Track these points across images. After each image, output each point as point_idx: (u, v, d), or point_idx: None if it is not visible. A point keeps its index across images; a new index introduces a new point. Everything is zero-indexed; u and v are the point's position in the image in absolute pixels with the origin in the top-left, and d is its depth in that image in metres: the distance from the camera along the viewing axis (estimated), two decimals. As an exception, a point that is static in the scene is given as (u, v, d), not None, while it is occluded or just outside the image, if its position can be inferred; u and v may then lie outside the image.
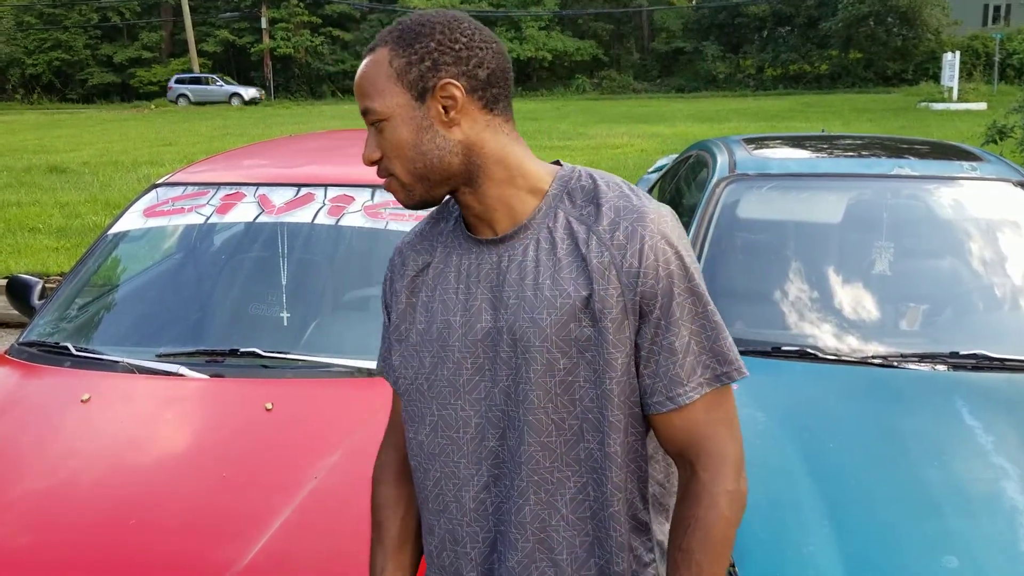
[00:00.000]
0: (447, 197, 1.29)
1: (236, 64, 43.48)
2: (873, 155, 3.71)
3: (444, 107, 1.19)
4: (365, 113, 1.23)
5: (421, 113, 1.20)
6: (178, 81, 38.72)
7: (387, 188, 1.27)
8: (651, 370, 1.19)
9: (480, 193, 1.24)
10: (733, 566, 1.87)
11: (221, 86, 38.48)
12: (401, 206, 1.29)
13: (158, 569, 1.96)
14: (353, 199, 3.16)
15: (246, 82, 41.50)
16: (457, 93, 1.19)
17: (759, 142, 4.03)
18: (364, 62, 1.24)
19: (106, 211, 9.82)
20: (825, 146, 3.98)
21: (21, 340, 2.94)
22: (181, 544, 2.03)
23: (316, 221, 3.10)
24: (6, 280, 3.34)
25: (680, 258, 1.18)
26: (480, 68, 1.20)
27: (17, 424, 2.52)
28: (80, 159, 15.31)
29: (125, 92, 42.24)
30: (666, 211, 1.22)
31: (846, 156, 3.79)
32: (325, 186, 3.23)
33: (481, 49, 1.21)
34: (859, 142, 4.17)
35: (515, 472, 1.24)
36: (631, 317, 1.18)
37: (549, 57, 41.76)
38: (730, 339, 1.21)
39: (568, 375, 1.20)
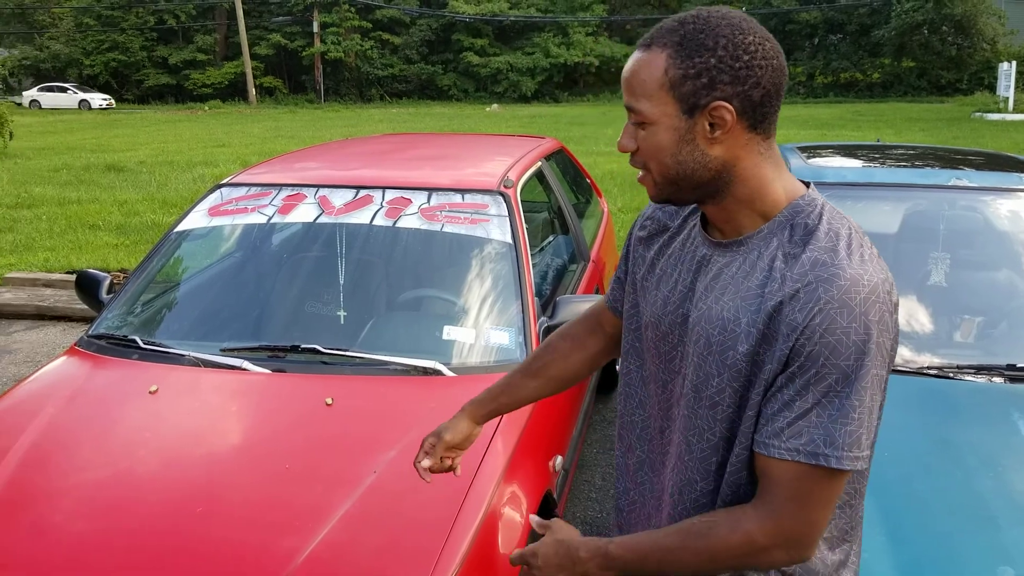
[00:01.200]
0: None
1: (287, 67, 44.11)
2: (928, 165, 3.69)
3: (711, 124, 1.19)
4: (629, 109, 1.24)
5: (686, 126, 1.20)
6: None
7: (641, 181, 1.30)
8: (765, 411, 1.20)
9: (720, 206, 1.26)
10: (786, 570, 1.88)
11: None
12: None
13: (224, 557, 2.02)
14: (410, 201, 3.22)
15: (297, 87, 42.10)
16: (728, 116, 1.18)
17: (813, 150, 4.02)
18: (637, 58, 1.23)
19: (163, 209, 10.05)
20: (879, 155, 3.96)
21: (90, 333, 3.04)
22: (246, 533, 2.10)
23: (374, 222, 3.17)
24: (75, 275, 3.46)
25: (848, 335, 1.13)
26: (756, 89, 1.18)
27: (88, 412, 2.62)
28: (136, 158, 15.67)
29: (179, 94, 43.10)
30: (870, 281, 1.15)
31: (901, 166, 3.77)
32: (383, 188, 3.30)
33: (761, 68, 1.17)
34: (913, 152, 4.14)
35: (669, 446, 1.38)
36: (775, 365, 1.18)
37: (596, 62, 41.74)
38: (856, 433, 1.15)
39: (717, 394, 1.25)
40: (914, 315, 2.84)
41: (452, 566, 1.98)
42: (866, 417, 1.16)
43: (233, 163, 14.59)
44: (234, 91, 42.18)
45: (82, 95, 40.04)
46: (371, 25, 42.80)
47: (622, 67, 1.38)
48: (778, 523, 1.19)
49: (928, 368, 2.60)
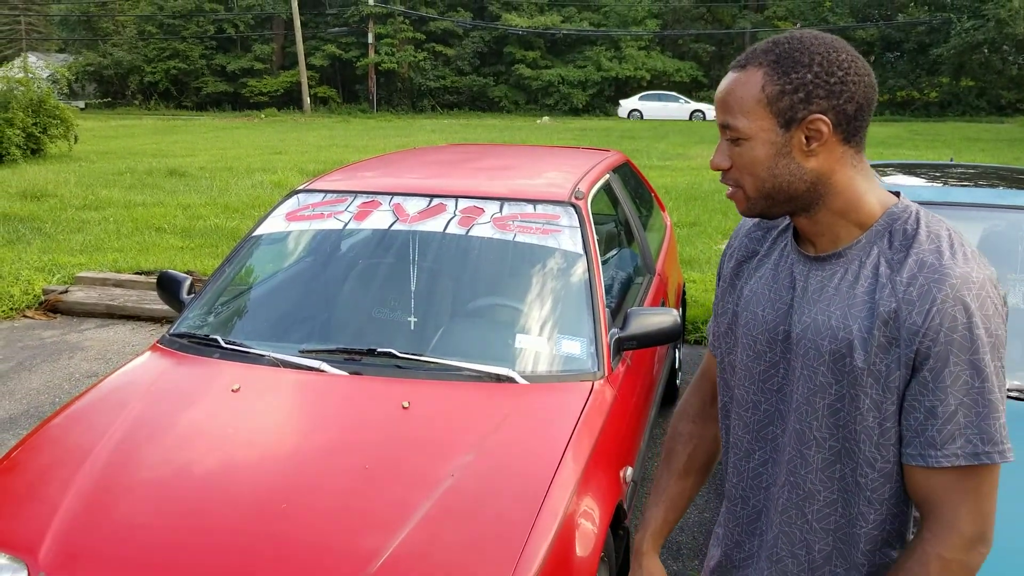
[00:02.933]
0: None
1: (341, 77, 44.73)
2: (1000, 185, 3.64)
3: (807, 137, 1.24)
4: (724, 127, 1.28)
5: (783, 139, 1.25)
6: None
7: (730, 196, 1.33)
8: (909, 424, 1.22)
9: (814, 218, 1.29)
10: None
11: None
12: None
13: (307, 553, 2.06)
14: (483, 211, 3.27)
15: (350, 96, 42.65)
16: (824, 129, 1.23)
17: (880, 169, 3.99)
18: (732, 77, 1.28)
19: (225, 214, 10.25)
20: (952, 175, 3.92)
21: (172, 331, 3.14)
22: (328, 531, 2.14)
23: (447, 231, 3.23)
24: (157, 275, 3.56)
25: (971, 328, 1.17)
26: (850, 103, 1.23)
27: (173, 408, 2.70)
28: (197, 164, 16.01)
29: (236, 101, 43.89)
30: (978, 277, 1.19)
31: (975, 186, 3.72)
32: (456, 197, 3.36)
33: (854, 83, 1.23)
34: (985, 172, 4.08)
35: (780, 466, 1.36)
36: (903, 370, 1.21)
37: (648, 76, 41.68)
38: (1002, 421, 1.19)
39: (837, 401, 1.26)
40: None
41: (533, 567, 2.01)
42: (1002, 407, 1.19)
43: (290, 170, 14.83)
44: (289, 99, 42.85)
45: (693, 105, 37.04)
46: (424, 37, 43.23)
47: (675, 81, 1.44)
48: (960, 531, 1.20)
49: (1009, 390, 2.57)
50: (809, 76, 1.22)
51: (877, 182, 1.30)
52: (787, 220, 1.39)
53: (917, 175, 3.89)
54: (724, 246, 1.53)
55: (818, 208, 1.28)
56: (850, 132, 1.24)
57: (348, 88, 44.93)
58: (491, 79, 43.75)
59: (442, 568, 2.02)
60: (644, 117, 36.90)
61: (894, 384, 1.22)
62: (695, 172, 14.98)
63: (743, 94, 1.25)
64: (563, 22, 42.77)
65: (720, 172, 1.34)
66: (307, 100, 41.33)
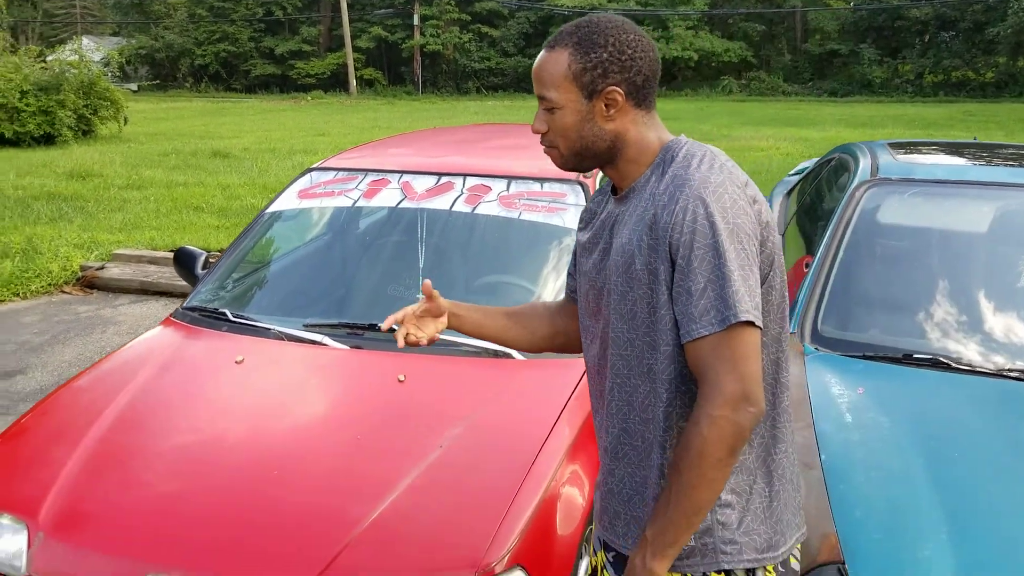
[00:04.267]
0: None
1: (387, 59, 44.88)
2: (1019, 165, 3.55)
3: (606, 105, 1.50)
4: (541, 97, 1.53)
5: (587, 108, 1.51)
6: None
7: (548, 154, 1.59)
8: (678, 308, 1.43)
9: (617, 168, 1.57)
10: (843, 564, 1.88)
11: None
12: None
13: (297, 517, 2.14)
14: (490, 189, 3.29)
15: (396, 79, 42.77)
16: (619, 98, 1.50)
17: (907, 147, 3.92)
18: (545, 55, 1.54)
19: (263, 194, 10.40)
20: (975, 154, 3.83)
21: (185, 305, 3.22)
22: (317, 497, 2.20)
23: (454, 208, 3.25)
24: (174, 251, 3.64)
25: (710, 218, 1.40)
26: (639, 76, 1.51)
27: (179, 378, 2.78)
28: (241, 145, 16.24)
29: (284, 83, 44.30)
30: (717, 180, 1.43)
31: (997, 165, 3.64)
32: (464, 175, 3.38)
33: (641, 59, 1.50)
34: (1010, 151, 3.98)
35: (607, 375, 1.59)
36: (666, 264, 1.44)
37: (696, 57, 41.04)
38: (742, 291, 1.38)
39: (632, 304, 1.50)
40: (998, 316, 2.76)
41: (509, 540, 2.04)
42: (742, 281, 1.39)
43: (331, 151, 14.95)
44: (335, 82, 43.13)
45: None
46: (470, 18, 43.11)
47: (723, 62, 1.62)
48: (722, 391, 1.38)
49: (1009, 370, 2.53)
50: (605, 55, 1.49)
51: (665, 131, 1.56)
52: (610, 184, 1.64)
53: (934, 152, 3.81)
54: None
55: (619, 159, 1.55)
56: (640, 98, 1.52)
57: (394, 70, 45.06)
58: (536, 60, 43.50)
59: (424, 533, 2.07)
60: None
61: (662, 278, 1.45)
62: (737, 153, 14.78)
63: (553, 71, 1.52)
64: (609, 2, 42.38)
65: (540, 135, 1.58)
66: (353, 82, 41.56)
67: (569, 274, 1.84)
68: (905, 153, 3.72)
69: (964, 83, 36.57)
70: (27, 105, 15.76)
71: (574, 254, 1.76)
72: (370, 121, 23.88)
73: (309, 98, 38.70)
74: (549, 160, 1.62)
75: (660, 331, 1.47)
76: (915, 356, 2.62)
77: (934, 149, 3.95)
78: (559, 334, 1.85)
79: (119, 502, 2.25)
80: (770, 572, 1.52)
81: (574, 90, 1.51)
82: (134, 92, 35.20)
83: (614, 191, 1.62)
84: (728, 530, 1.49)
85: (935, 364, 2.58)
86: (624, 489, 1.59)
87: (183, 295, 6.55)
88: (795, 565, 1.59)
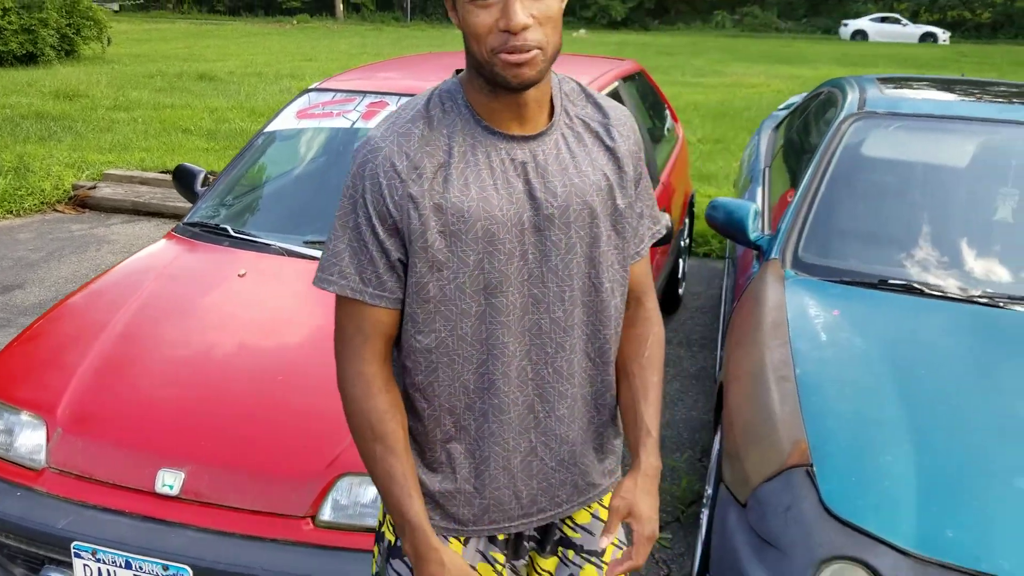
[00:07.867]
0: (427, 98, 1.31)
1: (376, -16, 43.93)
2: (1008, 101, 3.64)
3: None
4: None
5: None
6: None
7: (526, 62, 1.18)
8: (636, 231, 1.47)
9: (543, 87, 1.28)
10: (811, 466, 2.02)
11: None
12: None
13: (303, 416, 2.28)
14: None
15: (384, 4, 41.93)
16: None
17: (897, 82, 3.99)
18: None
19: (251, 118, 10.36)
20: (964, 90, 3.91)
21: (186, 220, 3.29)
22: (322, 399, 2.31)
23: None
24: (174, 169, 3.70)
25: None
26: None
27: (183, 289, 2.87)
28: (226, 69, 16.03)
29: (268, 6, 43.41)
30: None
31: (984, 101, 3.73)
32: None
33: None
34: (996, 88, 4.07)
35: (564, 335, 1.35)
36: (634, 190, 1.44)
37: (690, -12, 40.45)
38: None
39: (611, 246, 1.38)
40: (972, 246, 2.88)
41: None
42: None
43: (319, 76, 14.79)
44: (322, 6, 42.29)
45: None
46: (461, -57, 42.16)
47: None
48: (656, 303, 1.58)
49: (980, 296, 2.65)
50: None
51: None
52: (459, 121, 1.29)
53: (922, 88, 3.89)
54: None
55: (549, 75, 1.30)
56: None
57: (382, -4, 44.19)
58: (528, -11, 42.66)
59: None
60: (869, 39, 33.30)
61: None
62: (728, 89, 14.75)
63: None
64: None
65: (517, 33, 1.17)
66: (340, 7, 40.80)
67: (387, 265, 1.37)
68: (894, 88, 3.80)
69: (960, 23, 36.34)
70: (9, 23, 15.43)
71: (388, 240, 1.34)
72: (357, 47, 23.54)
73: (294, 22, 37.99)
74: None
75: (624, 267, 1.47)
76: (890, 282, 2.74)
77: (924, 84, 4.02)
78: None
79: (133, 401, 2.37)
80: None
81: None
82: (116, 12, 34.40)
83: (488, 124, 1.29)
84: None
85: (909, 290, 2.71)
86: (576, 448, 1.44)
87: (175, 216, 6.62)
88: None
